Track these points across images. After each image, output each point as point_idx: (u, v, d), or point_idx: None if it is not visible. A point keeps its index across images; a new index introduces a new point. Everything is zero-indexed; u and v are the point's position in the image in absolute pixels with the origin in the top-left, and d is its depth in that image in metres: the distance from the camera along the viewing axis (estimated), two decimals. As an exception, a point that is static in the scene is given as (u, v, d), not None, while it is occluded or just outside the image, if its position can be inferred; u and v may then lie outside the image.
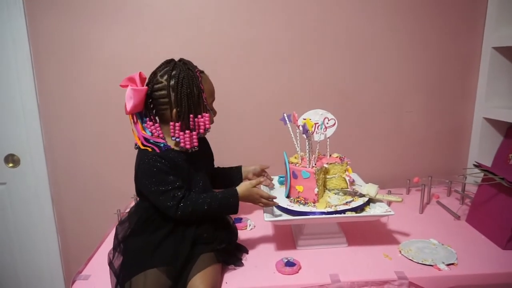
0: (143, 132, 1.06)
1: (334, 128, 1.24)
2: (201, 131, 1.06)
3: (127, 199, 1.58)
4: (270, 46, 1.57)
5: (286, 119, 1.19)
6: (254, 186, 1.10)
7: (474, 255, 1.13)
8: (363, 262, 1.11)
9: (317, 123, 1.23)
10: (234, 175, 1.31)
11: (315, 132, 1.23)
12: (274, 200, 1.12)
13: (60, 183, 1.66)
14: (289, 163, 1.20)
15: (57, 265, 1.73)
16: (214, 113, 1.13)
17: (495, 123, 1.62)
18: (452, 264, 1.08)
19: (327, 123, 1.24)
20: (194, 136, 1.05)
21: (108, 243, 1.28)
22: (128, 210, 1.51)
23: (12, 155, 1.62)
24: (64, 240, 1.72)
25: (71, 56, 1.53)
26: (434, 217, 1.41)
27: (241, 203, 1.08)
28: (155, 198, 1.03)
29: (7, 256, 1.71)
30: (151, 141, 1.05)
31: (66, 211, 1.69)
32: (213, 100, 1.12)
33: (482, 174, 1.32)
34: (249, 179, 1.29)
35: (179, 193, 1.02)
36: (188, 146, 1.05)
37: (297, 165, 1.19)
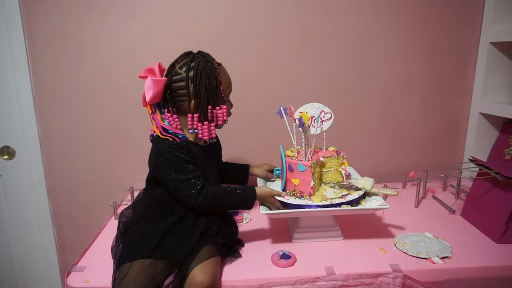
0: (162, 122, 1.07)
1: (330, 122, 1.24)
2: (219, 122, 1.09)
3: (123, 192, 1.58)
4: (266, 40, 1.56)
5: (283, 112, 1.19)
6: (273, 196, 1.13)
7: (468, 249, 1.14)
8: (358, 255, 1.11)
9: (314, 116, 1.23)
10: (240, 173, 1.33)
11: (311, 126, 1.23)
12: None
13: (55, 175, 1.65)
14: (285, 156, 1.20)
15: (53, 256, 1.73)
16: (231, 105, 1.15)
17: (491, 118, 1.62)
18: (446, 257, 1.08)
19: (324, 117, 1.23)
20: (212, 128, 1.08)
21: (104, 235, 1.28)
22: (124, 202, 1.52)
23: (7, 147, 1.61)
24: (60, 232, 1.72)
25: (66, 47, 1.52)
26: (429, 211, 1.42)
27: None
28: (174, 187, 1.05)
29: (3, 248, 1.71)
30: (170, 131, 1.07)
31: (62, 203, 1.68)
32: (230, 91, 1.14)
33: (478, 168, 1.33)
34: (259, 175, 1.33)
35: (199, 183, 1.05)
36: (206, 138, 1.07)
37: (293, 158, 1.19)
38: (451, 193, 1.57)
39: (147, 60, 1.08)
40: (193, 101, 1.05)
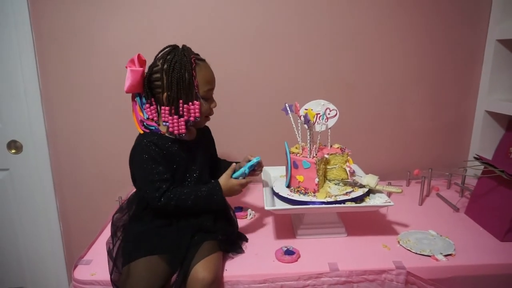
0: (140, 114, 1.08)
1: (335, 119, 1.24)
2: (191, 118, 1.05)
3: (129, 186, 1.58)
4: (272, 36, 1.56)
5: (288, 109, 1.19)
6: (231, 176, 1.10)
7: (472, 246, 1.14)
8: (362, 251, 1.12)
9: (319, 113, 1.23)
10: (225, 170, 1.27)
11: (316, 123, 1.23)
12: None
13: (62, 169, 1.67)
14: (290, 153, 1.20)
15: (59, 250, 1.75)
16: (211, 103, 1.10)
17: (497, 116, 1.62)
18: (450, 255, 1.09)
19: (329, 114, 1.24)
20: (182, 122, 1.05)
21: (110, 229, 1.29)
22: (130, 197, 1.53)
23: (14, 141, 1.62)
24: (66, 225, 1.74)
25: (73, 41, 1.53)
26: (433, 209, 1.42)
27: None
28: (139, 186, 1.07)
29: (10, 241, 1.73)
30: (145, 123, 1.07)
31: (68, 197, 1.70)
32: (210, 89, 1.09)
33: (483, 166, 1.33)
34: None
35: (163, 186, 1.02)
36: (175, 132, 1.05)
37: (298, 155, 1.19)
38: (455, 191, 1.57)
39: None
40: (165, 94, 1.04)
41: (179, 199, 1.03)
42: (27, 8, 1.48)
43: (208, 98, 1.10)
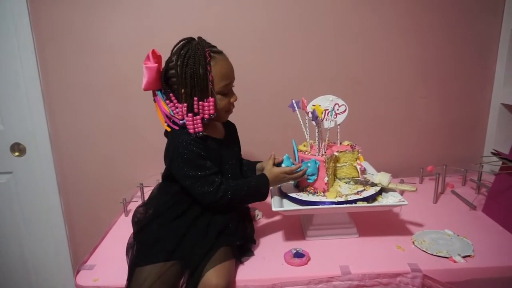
0: (166, 108, 1.03)
1: (345, 115, 1.20)
2: (205, 116, 1.01)
3: (133, 188, 1.56)
4: (279, 32, 1.52)
5: (295, 105, 1.15)
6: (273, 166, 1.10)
7: (492, 247, 1.08)
8: (375, 253, 1.07)
9: (327, 109, 1.18)
10: (249, 169, 1.25)
11: (325, 119, 1.19)
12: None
13: (66, 172, 1.65)
14: (298, 151, 1.16)
15: (65, 253, 1.73)
16: (230, 97, 1.06)
17: (514, 109, 1.56)
18: (469, 256, 1.03)
19: (338, 110, 1.19)
20: (198, 121, 1.00)
21: (114, 233, 1.27)
22: (134, 199, 1.50)
23: (18, 144, 1.60)
24: (71, 228, 1.72)
25: (74, 42, 1.50)
26: (448, 207, 1.37)
27: None
28: (191, 184, 1.01)
29: (15, 245, 1.71)
30: (172, 120, 1.03)
31: (73, 200, 1.68)
32: (227, 84, 1.04)
33: (500, 162, 1.27)
34: None
35: (217, 179, 1.01)
36: (191, 131, 1.01)
37: (306, 153, 1.15)
38: (471, 188, 1.51)
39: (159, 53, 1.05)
40: (182, 90, 1.00)
41: (234, 191, 1.02)
42: (27, 11, 1.46)
43: (227, 93, 1.05)
